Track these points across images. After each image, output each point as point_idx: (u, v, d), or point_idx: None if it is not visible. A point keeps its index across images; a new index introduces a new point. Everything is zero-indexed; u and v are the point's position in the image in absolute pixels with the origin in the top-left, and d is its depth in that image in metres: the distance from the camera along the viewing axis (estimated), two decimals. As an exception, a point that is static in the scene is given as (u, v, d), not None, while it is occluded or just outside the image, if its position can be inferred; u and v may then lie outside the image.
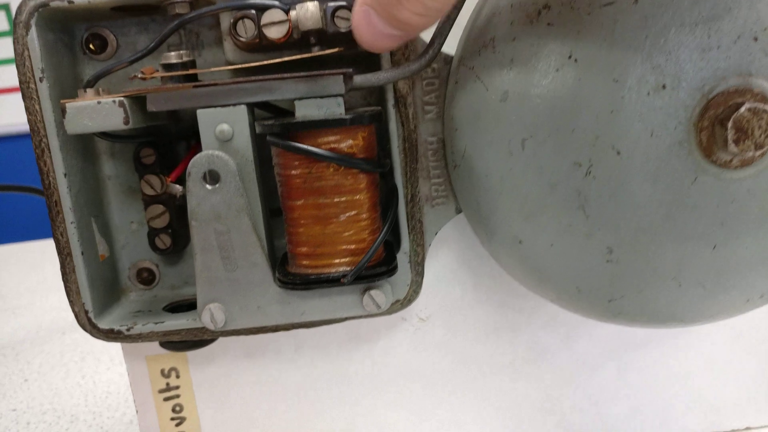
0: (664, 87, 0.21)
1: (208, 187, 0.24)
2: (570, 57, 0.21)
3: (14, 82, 1.86)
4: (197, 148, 0.30)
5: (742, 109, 0.20)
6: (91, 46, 0.29)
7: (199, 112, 0.24)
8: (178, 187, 0.29)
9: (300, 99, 0.24)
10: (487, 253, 0.31)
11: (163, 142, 0.29)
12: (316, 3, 0.24)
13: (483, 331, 0.34)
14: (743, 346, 0.34)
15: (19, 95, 1.88)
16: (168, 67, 0.24)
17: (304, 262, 0.25)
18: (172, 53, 0.25)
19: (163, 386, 0.33)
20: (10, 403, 0.53)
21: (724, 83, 0.20)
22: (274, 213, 0.29)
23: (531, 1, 0.22)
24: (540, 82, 0.22)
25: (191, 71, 0.25)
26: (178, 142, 0.30)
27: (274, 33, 0.25)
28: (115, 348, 0.62)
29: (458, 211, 0.29)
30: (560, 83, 0.21)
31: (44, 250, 1.03)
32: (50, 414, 0.50)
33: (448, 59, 0.27)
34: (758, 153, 0.20)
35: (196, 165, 0.24)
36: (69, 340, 0.65)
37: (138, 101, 0.25)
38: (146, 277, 0.32)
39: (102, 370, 0.57)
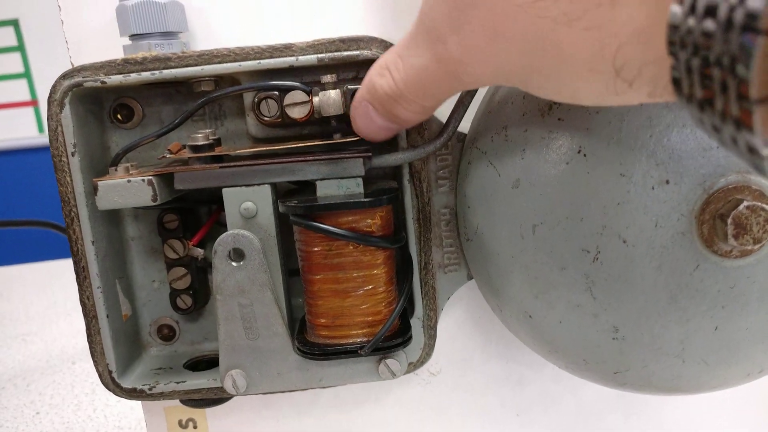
0: (667, 182, 0.22)
1: (233, 264, 0.25)
2: (579, 152, 0.23)
3: (20, 96, 1.88)
4: (218, 212, 0.31)
5: (741, 206, 0.21)
6: (118, 116, 0.30)
7: (225, 190, 0.26)
8: (200, 250, 0.30)
9: (322, 180, 0.26)
10: (494, 314, 0.32)
11: (185, 207, 0.31)
12: (338, 91, 0.25)
13: (492, 384, 0.35)
14: (744, 396, 0.35)
15: (24, 110, 1.90)
16: (195, 148, 0.26)
17: (323, 333, 0.26)
18: (200, 134, 0.26)
19: (181, 437, 0.34)
20: (23, 437, 0.54)
21: (723, 180, 0.22)
22: (292, 273, 0.30)
23: (542, 95, 0.23)
24: (551, 173, 0.23)
25: (218, 151, 0.26)
26: (199, 207, 0.31)
27: (296, 113, 0.27)
28: (126, 380, 0.63)
29: (470, 277, 0.30)
30: (570, 175, 0.23)
31: (52, 271, 1.04)
32: (63, 449, 0.51)
33: (460, 136, 0.28)
34: (756, 246, 0.21)
35: (222, 243, 0.25)
36: (79, 370, 0.66)
37: (165, 178, 0.26)
38: (167, 334, 0.33)
39: (113, 402, 0.58)
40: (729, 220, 0.21)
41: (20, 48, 1.87)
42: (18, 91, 1.87)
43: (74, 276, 0.29)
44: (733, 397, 0.35)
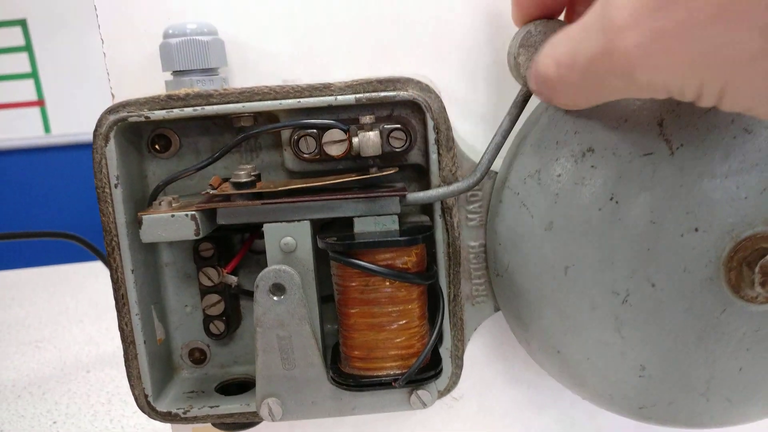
0: (696, 230, 0.23)
1: (274, 298, 0.26)
2: (612, 198, 0.23)
3: (27, 96, 1.89)
4: (251, 240, 0.32)
5: (768, 255, 0.22)
6: (156, 146, 0.31)
7: (266, 226, 0.27)
8: (234, 278, 0.31)
9: (359, 216, 0.26)
10: (517, 342, 0.33)
11: (220, 236, 0.32)
12: (377, 133, 0.26)
13: (513, 409, 0.36)
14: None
15: (30, 110, 1.91)
16: (238, 185, 0.26)
17: (358, 365, 0.27)
18: (242, 171, 0.27)
19: (209, 457, 0.35)
20: (42, 447, 0.55)
21: (750, 229, 0.23)
22: (325, 299, 0.31)
23: (576, 141, 0.24)
24: (583, 217, 0.24)
25: (258, 187, 0.27)
26: (233, 235, 0.32)
27: (334, 150, 0.28)
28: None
29: (496, 309, 0.31)
30: (602, 221, 0.24)
31: (64, 276, 1.05)
32: (82, 461, 0.52)
33: (491, 174, 0.29)
34: (783, 294, 0.22)
35: (264, 278, 0.26)
36: (94, 379, 0.67)
37: (207, 213, 0.27)
38: (198, 357, 0.34)
39: (129, 413, 0.59)
40: (756, 269, 0.22)
41: (28, 48, 1.88)
42: (25, 91, 1.88)
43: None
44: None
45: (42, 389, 0.66)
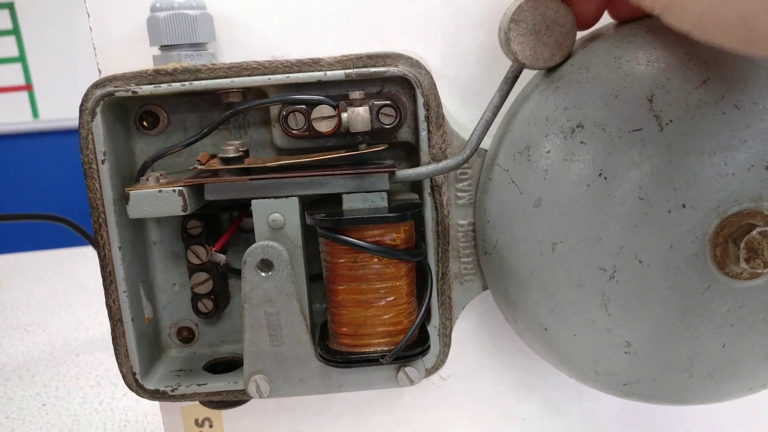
0: (683, 206, 0.23)
1: (262, 274, 0.26)
2: (600, 175, 0.23)
3: (14, 80, 1.87)
4: (240, 218, 0.32)
5: (754, 232, 0.22)
6: (144, 123, 0.31)
7: (254, 202, 0.26)
8: (222, 256, 0.31)
9: (348, 193, 0.26)
10: (505, 321, 0.33)
11: (208, 213, 0.31)
12: (366, 108, 0.26)
13: (500, 390, 0.36)
14: (746, 410, 0.37)
15: (18, 94, 1.89)
16: (226, 160, 0.26)
17: (345, 341, 0.27)
18: (230, 147, 0.26)
19: (197, 435, 0.35)
20: (30, 428, 0.55)
21: (737, 206, 0.23)
22: (313, 278, 0.31)
23: (566, 118, 0.24)
24: (572, 193, 0.24)
25: (246, 163, 0.27)
26: (221, 213, 0.32)
27: (323, 126, 0.27)
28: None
29: (484, 288, 0.31)
30: (590, 197, 0.24)
31: (50, 261, 1.04)
32: (71, 442, 0.52)
33: (480, 152, 0.29)
34: (766, 269, 0.22)
35: (252, 254, 0.26)
36: (83, 362, 0.67)
37: (195, 189, 0.27)
38: (186, 336, 0.34)
39: (118, 395, 0.59)
40: (741, 245, 0.22)
41: (15, 32, 1.85)
42: (13, 75, 1.86)
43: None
44: (734, 406, 0.36)
45: (31, 372, 0.65)
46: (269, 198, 0.27)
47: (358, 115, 0.26)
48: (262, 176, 0.26)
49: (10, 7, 1.85)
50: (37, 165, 1.92)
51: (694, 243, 0.23)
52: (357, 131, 0.26)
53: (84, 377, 0.63)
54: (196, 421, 0.35)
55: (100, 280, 0.29)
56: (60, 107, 1.87)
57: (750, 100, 0.22)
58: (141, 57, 0.30)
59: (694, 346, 0.25)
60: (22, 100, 1.91)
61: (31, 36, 1.85)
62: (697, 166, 0.23)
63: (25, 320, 0.80)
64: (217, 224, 0.32)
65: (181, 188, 0.26)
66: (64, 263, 1.02)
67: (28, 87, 1.90)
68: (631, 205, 0.23)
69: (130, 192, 0.26)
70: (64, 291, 0.89)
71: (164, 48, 0.28)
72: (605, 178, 0.23)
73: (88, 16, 0.30)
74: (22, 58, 1.88)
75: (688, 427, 0.37)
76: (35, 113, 1.90)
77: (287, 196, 0.26)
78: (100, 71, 0.31)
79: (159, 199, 0.26)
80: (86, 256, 1.02)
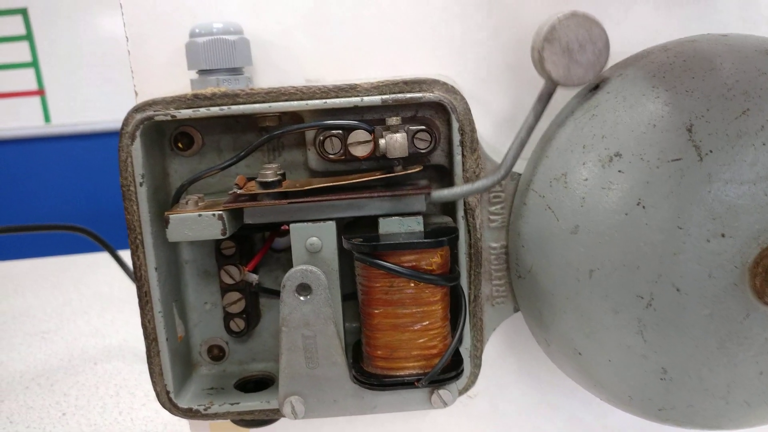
0: (723, 235, 0.23)
1: (301, 298, 0.26)
2: (639, 204, 0.24)
3: (27, 86, 1.88)
4: (272, 238, 0.32)
5: (794, 262, 0.22)
6: (179, 144, 0.31)
7: (292, 226, 0.27)
8: (254, 276, 0.31)
9: (384, 216, 0.27)
10: (532, 341, 0.33)
11: (242, 234, 0.32)
12: (404, 135, 0.27)
13: (525, 408, 0.36)
14: None
15: (30, 99, 1.90)
16: (265, 184, 0.27)
17: (380, 364, 0.27)
18: (269, 171, 0.27)
19: (225, 452, 0.36)
20: (52, 438, 0.55)
21: (777, 236, 0.23)
22: (346, 298, 0.31)
23: (604, 146, 0.25)
24: (610, 222, 0.24)
25: (285, 187, 0.27)
26: (255, 232, 0.32)
27: (359, 151, 0.28)
28: (149, 383, 0.64)
29: (516, 310, 0.31)
30: (629, 225, 0.24)
31: (66, 267, 1.05)
32: (93, 453, 0.52)
33: (514, 176, 0.29)
34: (805, 300, 0.23)
35: (291, 278, 0.26)
36: (102, 371, 0.67)
37: (234, 212, 0.27)
38: (216, 354, 0.34)
39: (137, 406, 0.60)
40: (781, 275, 0.22)
41: (29, 37, 1.87)
42: (25, 80, 1.88)
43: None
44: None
45: (50, 381, 0.66)
46: (307, 222, 0.27)
47: (396, 142, 0.26)
48: (300, 200, 0.27)
49: (24, 12, 1.87)
50: (48, 169, 1.94)
51: (733, 272, 0.23)
52: (394, 156, 0.27)
53: (103, 386, 0.64)
54: (225, 437, 0.36)
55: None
56: (72, 112, 1.88)
57: (791, 132, 0.22)
58: (176, 79, 0.31)
59: (731, 374, 0.25)
60: (35, 105, 1.92)
61: (44, 41, 1.87)
62: (736, 196, 0.23)
63: (42, 327, 0.80)
64: (249, 244, 0.33)
65: (221, 212, 0.27)
66: (78, 269, 1.02)
67: (40, 92, 1.91)
68: (669, 234, 0.23)
69: (170, 216, 0.27)
70: (78, 298, 0.90)
71: (202, 72, 0.29)
72: (643, 207, 0.24)
73: (127, 40, 0.31)
74: (35, 63, 1.90)
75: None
76: (47, 118, 1.92)
77: (324, 220, 0.27)
78: (136, 93, 0.31)
79: (198, 223, 0.27)
80: (98, 262, 1.02)
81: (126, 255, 0.67)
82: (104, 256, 0.89)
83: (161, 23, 0.31)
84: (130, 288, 0.80)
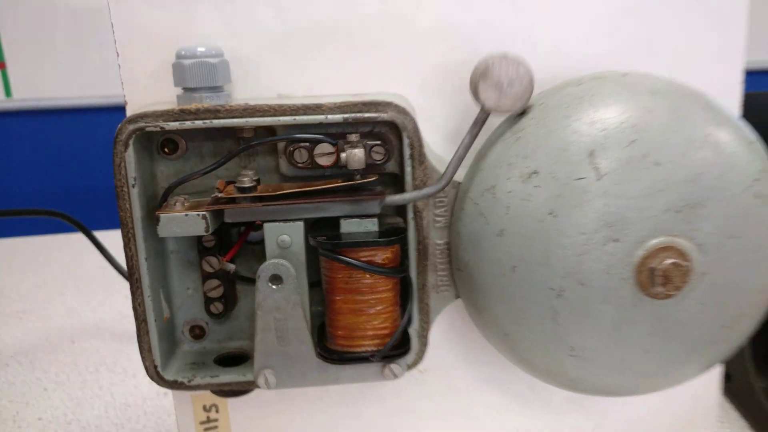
0: (616, 240, 0.29)
1: (273, 286, 0.31)
2: (551, 213, 0.29)
3: None
4: (247, 232, 0.37)
5: (668, 262, 0.28)
6: (165, 149, 0.35)
7: (265, 225, 0.31)
8: (232, 266, 0.36)
9: (345, 217, 0.32)
10: (473, 325, 0.39)
11: (220, 228, 0.36)
12: (362, 149, 0.31)
13: (469, 381, 0.42)
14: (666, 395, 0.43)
15: None
16: (242, 189, 0.31)
17: (341, 342, 0.33)
18: (245, 177, 0.31)
19: (204, 419, 0.40)
20: (35, 411, 0.59)
21: (656, 241, 0.29)
22: (312, 286, 0.36)
23: (525, 165, 0.30)
24: (528, 227, 0.30)
25: (260, 191, 0.32)
26: (232, 228, 0.37)
27: (324, 161, 0.32)
28: (127, 361, 0.68)
29: (457, 296, 0.36)
30: (543, 231, 0.29)
31: (36, 247, 1.06)
32: (75, 425, 0.56)
33: (454, 183, 0.34)
34: (677, 292, 0.29)
35: (265, 270, 0.31)
36: (79, 349, 0.70)
37: (215, 212, 0.32)
38: (198, 333, 0.38)
39: (117, 381, 0.63)
40: (659, 272, 0.28)
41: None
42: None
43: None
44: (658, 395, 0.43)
45: (29, 358, 0.69)
46: (279, 221, 0.32)
47: (356, 156, 0.31)
48: (273, 203, 0.31)
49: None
50: (11, 145, 1.90)
51: (624, 270, 0.29)
52: (354, 168, 0.31)
53: (82, 363, 0.67)
54: (204, 406, 0.40)
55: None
56: (35, 86, 1.84)
57: (667, 159, 0.28)
58: (163, 90, 0.35)
59: (623, 351, 0.31)
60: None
61: (6, 12, 1.82)
62: (626, 209, 0.28)
63: (17, 307, 0.83)
64: (227, 237, 0.37)
65: (204, 213, 0.31)
66: (50, 250, 1.04)
67: (1, 65, 1.86)
68: (574, 239, 0.29)
69: (161, 215, 0.31)
70: (52, 278, 0.92)
71: (187, 89, 0.33)
72: (555, 216, 0.29)
73: (117, 55, 0.34)
74: (-5, 35, 1.84)
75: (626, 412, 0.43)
76: (8, 92, 1.87)
77: (294, 220, 0.32)
78: (126, 102, 0.35)
79: (185, 221, 0.31)
80: (72, 243, 1.04)
81: (99, 235, 0.71)
82: (78, 237, 0.91)
83: (149, 40, 0.34)
84: (105, 268, 0.82)
